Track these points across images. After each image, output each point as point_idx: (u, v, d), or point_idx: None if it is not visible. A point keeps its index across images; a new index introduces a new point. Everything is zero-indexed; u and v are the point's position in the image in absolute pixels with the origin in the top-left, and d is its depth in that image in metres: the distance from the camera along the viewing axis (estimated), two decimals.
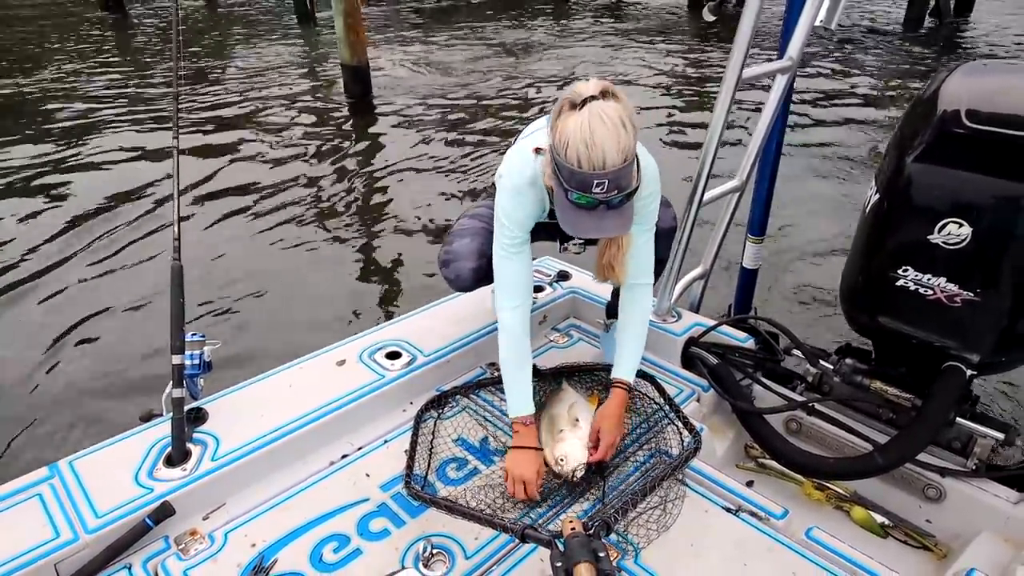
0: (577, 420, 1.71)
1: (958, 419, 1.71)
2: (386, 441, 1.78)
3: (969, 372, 1.65)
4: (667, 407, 1.83)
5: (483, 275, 1.83)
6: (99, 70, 11.23)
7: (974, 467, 1.70)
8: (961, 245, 1.52)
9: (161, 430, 1.64)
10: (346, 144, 7.39)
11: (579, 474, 1.59)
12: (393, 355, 1.99)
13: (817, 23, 1.94)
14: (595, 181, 1.32)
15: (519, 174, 1.57)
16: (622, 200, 1.38)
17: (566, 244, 1.82)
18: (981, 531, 1.63)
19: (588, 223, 1.42)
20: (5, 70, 11.28)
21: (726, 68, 1.80)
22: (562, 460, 1.60)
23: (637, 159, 1.40)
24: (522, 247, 1.63)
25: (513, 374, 1.66)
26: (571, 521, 1.19)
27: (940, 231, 1.54)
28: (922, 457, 1.70)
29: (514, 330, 1.64)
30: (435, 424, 1.82)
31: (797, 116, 7.54)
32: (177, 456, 1.57)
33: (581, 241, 1.78)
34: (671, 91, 9.08)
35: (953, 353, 1.66)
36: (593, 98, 1.34)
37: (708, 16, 1.94)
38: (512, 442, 1.64)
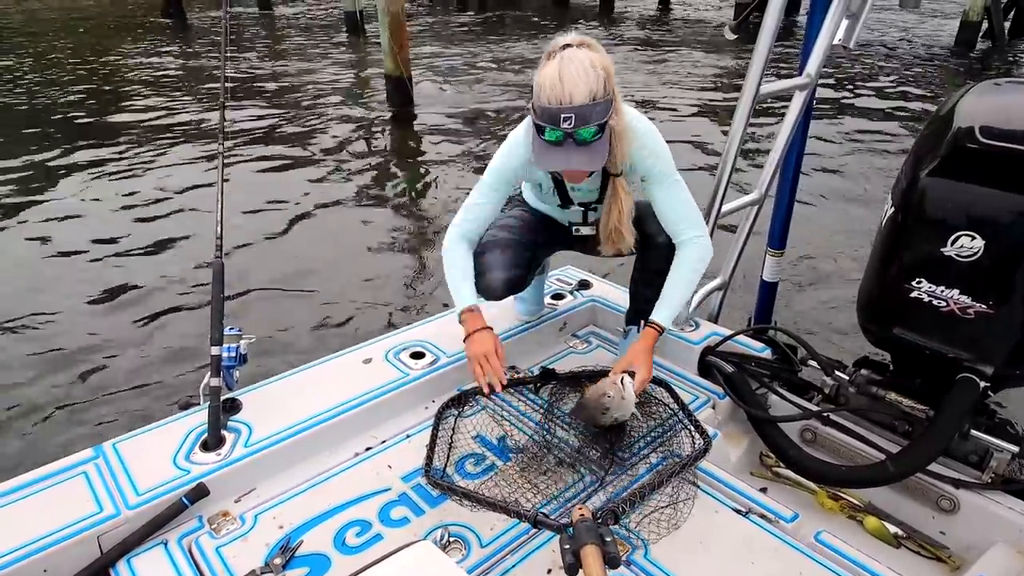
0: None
1: (973, 432, 1.71)
2: (408, 436, 1.85)
3: (983, 384, 1.66)
4: (681, 412, 1.87)
5: (515, 285, 1.95)
6: (155, 73, 11.72)
7: (989, 480, 1.70)
8: (974, 258, 1.54)
9: (198, 417, 1.74)
10: (385, 150, 7.62)
11: (616, 400, 1.65)
12: (417, 355, 2.06)
13: (836, 42, 1.99)
14: (563, 116, 1.46)
15: (520, 130, 1.73)
16: (589, 136, 1.48)
17: (576, 227, 1.92)
18: (995, 543, 1.63)
19: (558, 156, 1.52)
20: (66, 70, 11.84)
21: (744, 83, 1.86)
22: (609, 395, 1.68)
23: (614, 104, 1.53)
24: (496, 191, 1.81)
25: (458, 281, 1.82)
26: (580, 509, 1.25)
27: (953, 244, 1.56)
28: (937, 468, 1.71)
29: (458, 255, 1.83)
30: (455, 421, 1.89)
31: (829, 131, 7.52)
32: (212, 442, 1.66)
33: (590, 224, 1.88)
34: (711, 102, 9.14)
35: (967, 365, 1.68)
36: (568, 46, 1.49)
37: (729, 35, 2.01)
38: (464, 331, 1.77)
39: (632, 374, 1.72)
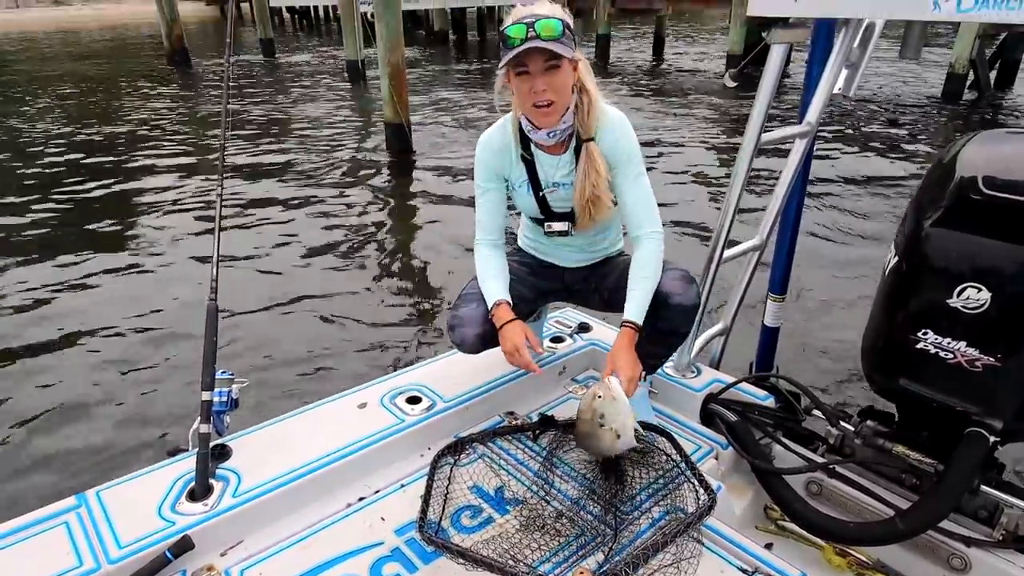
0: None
1: (983, 487, 1.67)
2: (403, 485, 1.79)
3: (992, 439, 1.62)
4: (683, 464, 1.82)
5: (488, 340, 1.94)
6: (156, 118, 11.87)
7: (1000, 537, 1.65)
8: (980, 310, 1.52)
9: (186, 465, 1.69)
10: (384, 195, 7.67)
11: (607, 400, 1.64)
12: (413, 400, 2.02)
13: (836, 91, 2.01)
14: (525, 19, 1.59)
15: (493, 126, 1.88)
16: (552, 32, 1.58)
17: (550, 224, 1.95)
18: None
19: (522, 48, 1.59)
20: (74, 113, 12.01)
21: (745, 131, 1.86)
22: (600, 395, 1.67)
23: (576, 45, 1.67)
24: (488, 191, 1.91)
25: (486, 280, 1.90)
26: (582, 572, 1.20)
27: (959, 295, 1.54)
28: (947, 526, 1.66)
29: (487, 258, 1.92)
30: (451, 471, 1.83)
31: (825, 180, 7.59)
32: (200, 491, 1.61)
33: (564, 225, 1.93)
34: (706, 152, 9.25)
35: (975, 419, 1.64)
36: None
37: (729, 83, 2.05)
38: (497, 324, 1.84)
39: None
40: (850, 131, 10.31)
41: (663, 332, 1.90)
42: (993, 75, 14.35)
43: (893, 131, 10.50)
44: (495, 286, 1.90)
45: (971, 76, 13.45)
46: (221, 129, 1.72)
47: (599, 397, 1.68)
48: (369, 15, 9.97)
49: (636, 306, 1.78)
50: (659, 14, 21.41)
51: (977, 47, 13.01)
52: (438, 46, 25.78)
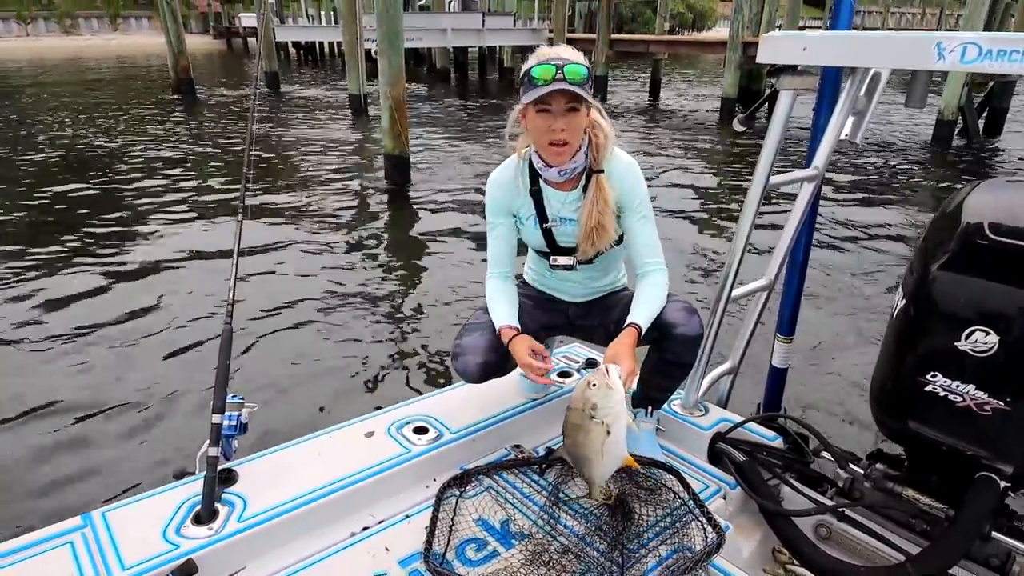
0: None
1: (995, 534, 1.66)
2: (408, 516, 1.78)
3: (1003, 484, 1.62)
4: (691, 502, 1.81)
5: (491, 370, 1.95)
6: (166, 147, 11.99)
7: None
8: (989, 353, 1.54)
9: (192, 488, 1.67)
10: (383, 226, 7.72)
11: (602, 389, 1.54)
12: (420, 430, 2.01)
13: (842, 137, 2.06)
14: (552, 62, 1.66)
15: (502, 164, 1.95)
16: (578, 77, 1.65)
17: (555, 258, 1.97)
18: None
19: (550, 87, 1.65)
20: (83, 135, 12.11)
21: (754, 175, 1.90)
22: (594, 384, 1.56)
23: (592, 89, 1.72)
24: (498, 226, 1.97)
25: (496, 304, 1.92)
26: None
27: (967, 339, 1.56)
28: (958, 573, 1.64)
29: (498, 288, 1.95)
30: (457, 502, 1.81)
31: (827, 223, 7.67)
32: (205, 515, 1.59)
33: (569, 259, 1.95)
34: (703, 193, 9.35)
35: (985, 463, 1.64)
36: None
37: (738, 127, 2.08)
38: (505, 342, 1.86)
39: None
40: (846, 175, 10.47)
41: (669, 364, 1.92)
42: (981, 122, 14.65)
43: (889, 174, 10.68)
44: (504, 310, 1.92)
45: (960, 122, 13.73)
46: (245, 156, 1.75)
47: (593, 386, 1.56)
48: (372, 51, 10.16)
49: (642, 311, 1.80)
50: (656, 58, 21.91)
51: (966, 94, 13.32)
52: (440, 83, 26.25)
